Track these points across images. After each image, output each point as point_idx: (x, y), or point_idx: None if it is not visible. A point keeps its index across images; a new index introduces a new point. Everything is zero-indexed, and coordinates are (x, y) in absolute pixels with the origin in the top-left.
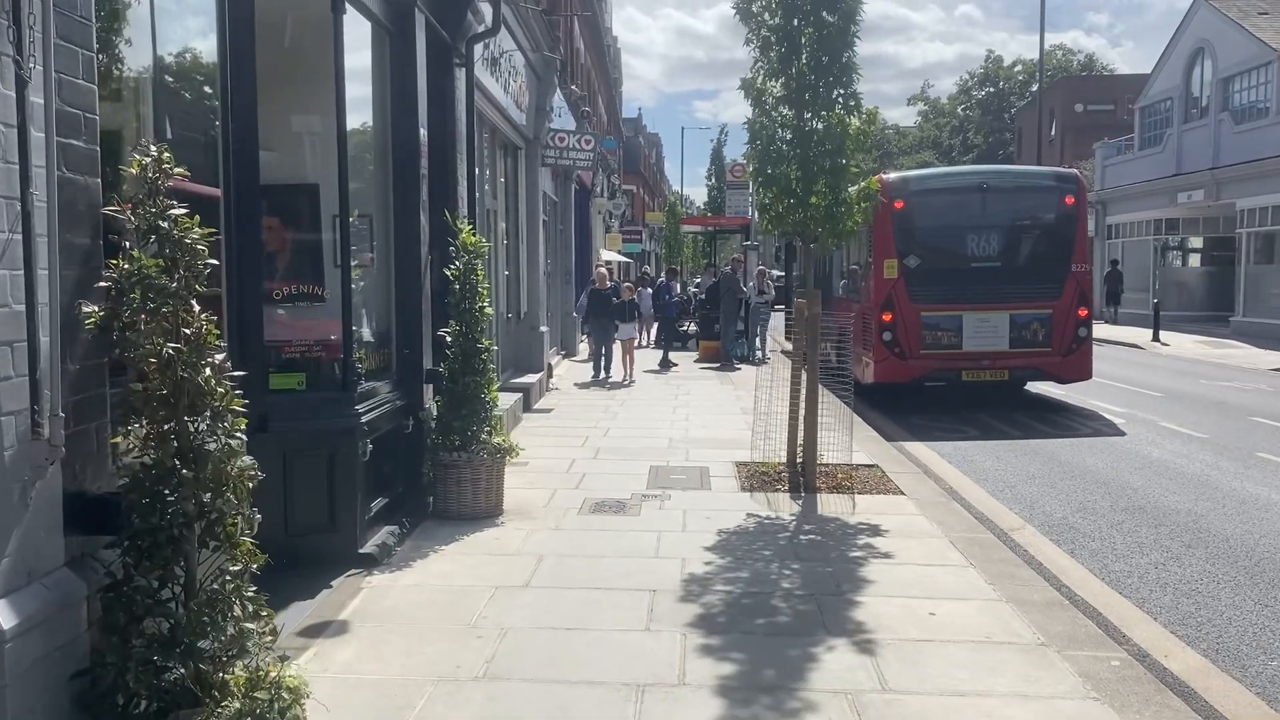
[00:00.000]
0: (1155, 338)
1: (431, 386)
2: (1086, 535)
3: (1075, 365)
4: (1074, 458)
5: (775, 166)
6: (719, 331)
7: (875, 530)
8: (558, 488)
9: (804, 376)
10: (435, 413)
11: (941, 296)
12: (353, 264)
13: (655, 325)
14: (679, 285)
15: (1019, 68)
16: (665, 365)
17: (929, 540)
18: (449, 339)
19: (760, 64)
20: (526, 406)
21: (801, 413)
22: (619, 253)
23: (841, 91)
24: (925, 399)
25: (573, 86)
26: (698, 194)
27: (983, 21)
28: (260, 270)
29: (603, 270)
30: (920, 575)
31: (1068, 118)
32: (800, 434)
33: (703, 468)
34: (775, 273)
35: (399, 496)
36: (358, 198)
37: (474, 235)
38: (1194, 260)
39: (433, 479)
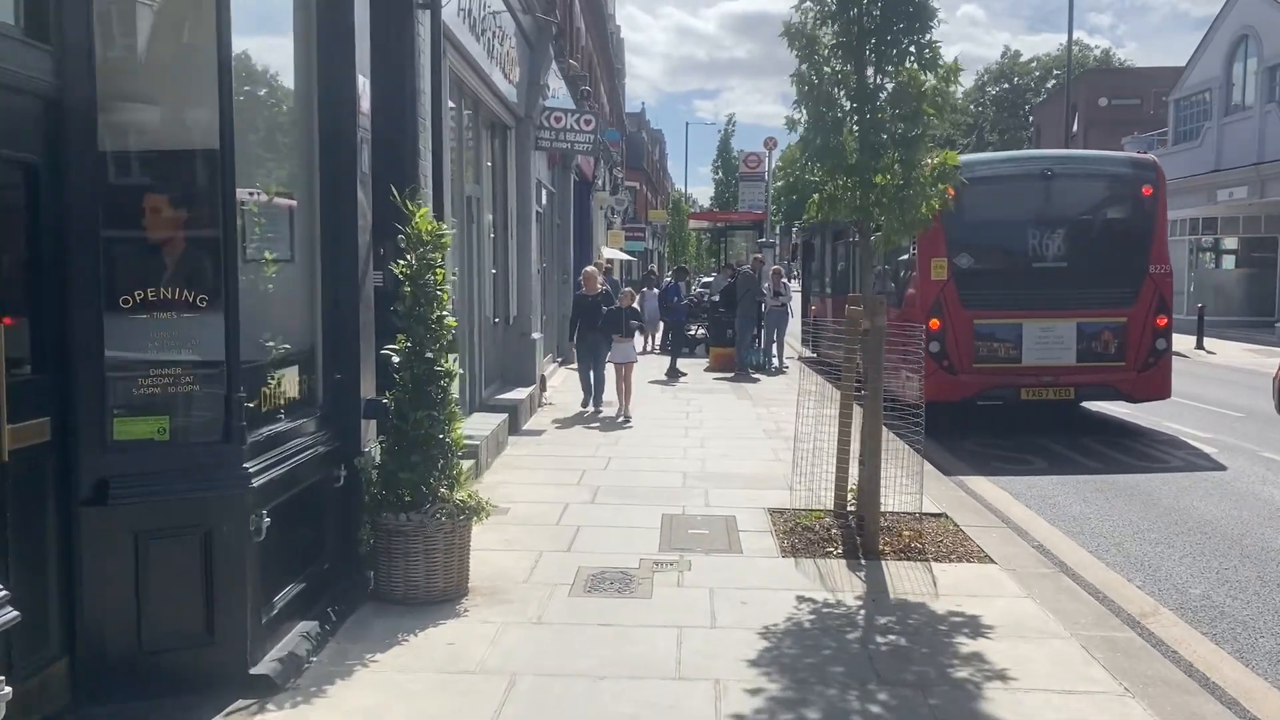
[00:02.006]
0: (1199, 345)
1: (374, 423)
2: (1250, 627)
3: (1152, 383)
4: (1178, 500)
5: (830, 135)
6: (732, 337)
7: (975, 626)
8: (544, 549)
9: (855, 407)
10: (377, 459)
11: (998, 302)
12: (267, 258)
13: (661, 330)
14: (686, 286)
15: (1035, 64)
16: (673, 375)
17: (1052, 643)
18: (396, 359)
19: (809, 5)
20: (513, 428)
21: (853, 449)
22: (621, 250)
23: (915, 40)
24: (972, 419)
25: (571, 61)
26: (701, 193)
27: (985, 21)
28: (97, 267)
29: (592, 269)
30: (1060, 710)
31: (1091, 112)
32: (852, 474)
33: (728, 516)
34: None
35: (324, 575)
36: (267, 167)
37: (432, 221)
38: (1228, 262)
39: (374, 549)
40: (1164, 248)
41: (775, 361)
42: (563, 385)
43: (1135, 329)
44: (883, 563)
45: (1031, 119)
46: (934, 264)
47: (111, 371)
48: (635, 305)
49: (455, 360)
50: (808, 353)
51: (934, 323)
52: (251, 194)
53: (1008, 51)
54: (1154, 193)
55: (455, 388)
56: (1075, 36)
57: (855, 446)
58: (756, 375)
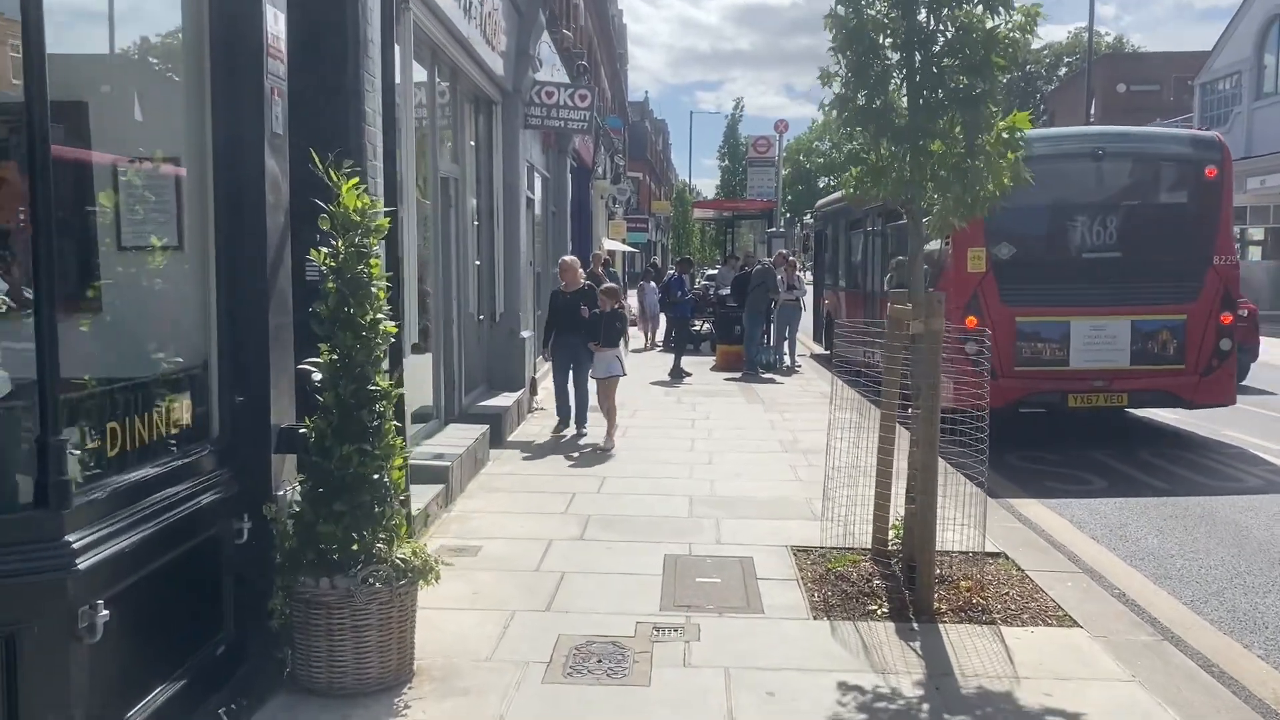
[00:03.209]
0: None
1: (293, 459)
2: None
3: (1214, 387)
4: (1272, 532)
5: (873, 92)
6: (740, 334)
7: None
8: (518, 607)
9: (893, 427)
10: (294, 506)
11: (1043, 297)
12: (155, 244)
13: (663, 325)
14: (690, 279)
15: (1046, 50)
16: (677, 375)
17: None
18: (318, 377)
19: None
20: (496, 440)
21: (896, 476)
22: (623, 242)
23: None
24: (1012, 429)
25: (565, 31)
26: (706, 185)
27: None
28: None
29: (572, 260)
30: None
31: (1109, 99)
32: (892, 509)
33: (744, 559)
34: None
35: (218, 663)
36: (143, 126)
37: (364, 197)
38: (1254, 253)
39: (289, 623)
40: (1229, 237)
41: (787, 360)
42: None
43: (1196, 327)
44: (940, 626)
45: (1044, 106)
46: (970, 254)
47: None
48: (622, 306)
49: (398, 376)
50: (820, 349)
51: (970, 321)
52: (133, 162)
53: None
54: (1218, 175)
55: (406, 411)
56: (1075, 30)
57: (899, 473)
58: (767, 375)
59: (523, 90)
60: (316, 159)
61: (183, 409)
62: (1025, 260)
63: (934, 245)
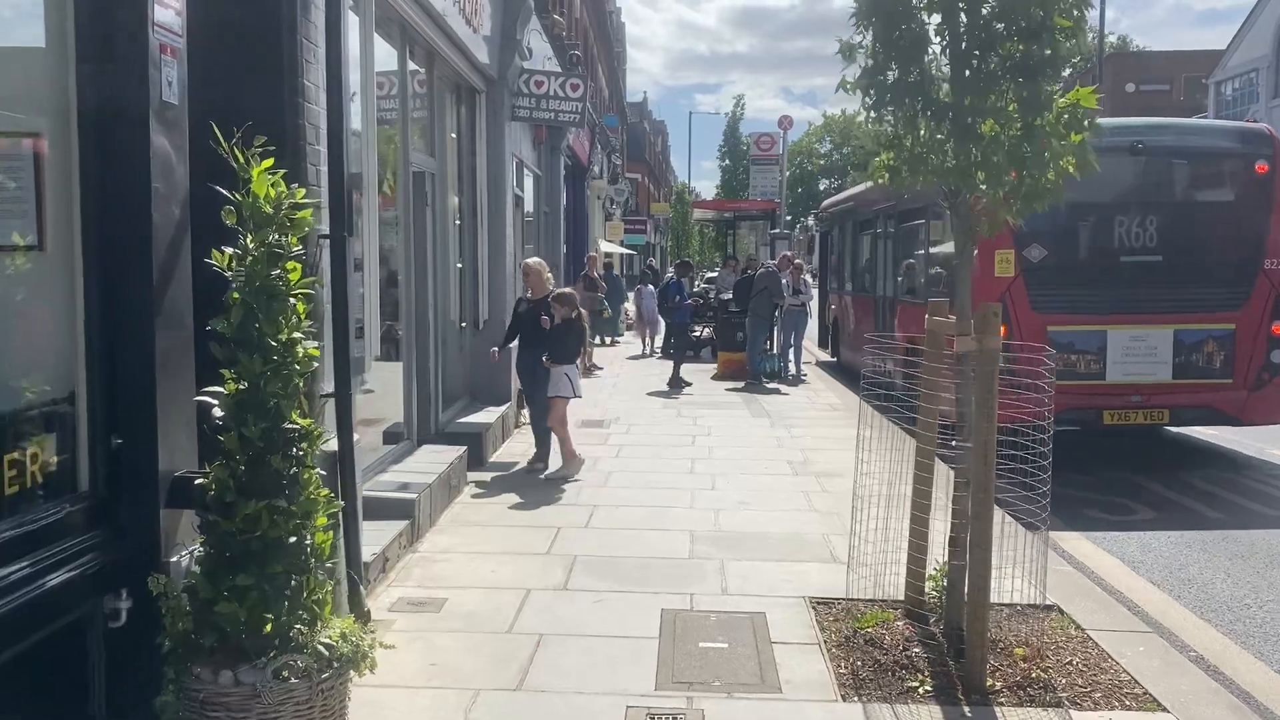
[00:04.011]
0: None
1: (189, 516)
2: None
3: (1265, 404)
4: None
5: (908, 63)
6: (743, 341)
7: None
8: (483, 685)
9: (930, 463)
10: (189, 578)
11: (1077, 304)
12: (18, 241)
13: (661, 331)
14: (690, 282)
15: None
16: (676, 385)
17: None
18: (219, 413)
19: None
20: (477, 461)
21: (935, 514)
22: (621, 244)
23: None
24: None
25: (556, 17)
26: (705, 188)
27: None
28: None
29: (537, 262)
30: None
31: (1117, 99)
32: (930, 556)
33: (755, 616)
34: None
35: None
36: None
37: (278, 185)
38: None
39: None
40: None
41: (792, 368)
42: None
43: (1246, 337)
44: (997, 710)
45: None
46: (998, 257)
47: None
48: (578, 315)
49: (322, 408)
50: (826, 356)
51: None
52: None
53: None
54: (1270, 170)
55: (355, 458)
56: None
57: (938, 511)
58: (771, 384)
59: (509, 79)
60: (219, 134)
61: (39, 454)
62: (1058, 264)
63: (944, 247)
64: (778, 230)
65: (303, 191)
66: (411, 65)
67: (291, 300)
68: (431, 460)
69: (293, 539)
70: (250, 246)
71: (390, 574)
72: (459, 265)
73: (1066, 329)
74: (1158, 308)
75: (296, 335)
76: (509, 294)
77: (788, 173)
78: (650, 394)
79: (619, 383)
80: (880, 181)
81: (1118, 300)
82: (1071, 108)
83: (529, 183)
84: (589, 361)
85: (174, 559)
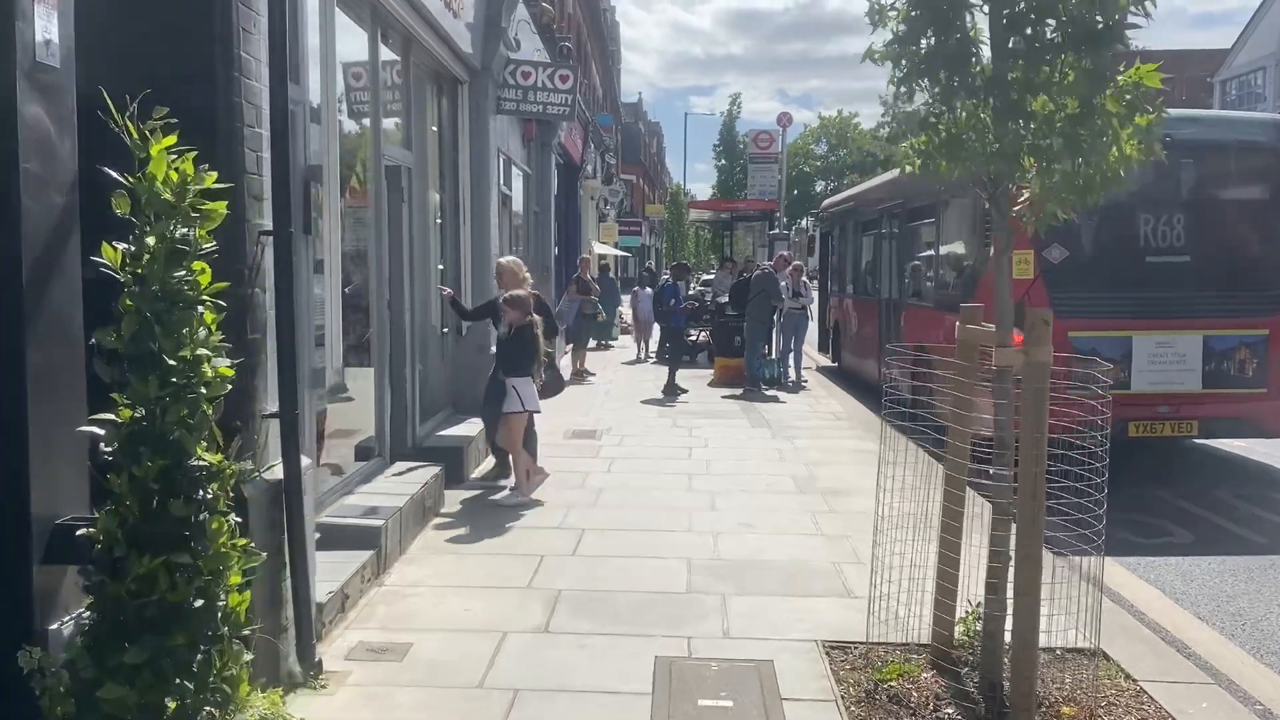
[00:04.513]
0: None
1: (72, 574)
2: None
3: None
4: None
5: (945, 29)
6: (741, 345)
7: None
8: None
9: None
10: (69, 652)
11: (1100, 308)
12: None
13: (657, 335)
14: (686, 285)
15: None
16: (671, 392)
17: None
18: (107, 447)
19: None
20: (456, 478)
21: (964, 562)
22: (615, 246)
23: None
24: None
25: (544, 5)
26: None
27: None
28: None
29: (512, 261)
30: None
31: None
32: (960, 597)
33: (762, 665)
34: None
35: None
36: None
37: (180, 168)
38: None
39: None
40: None
41: (792, 374)
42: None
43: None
44: None
45: None
46: (1016, 258)
47: None
48: (530, 321)
49: (265, 431)
50: (826, 360)
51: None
52: None
53: None
54: None
55: (307, 505)
56: None
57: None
58: (770, 391)
59: (494, 69)
60: (111, 104)
61: None
62: (1079, 265)
63: (954, 247)
64: (777, 231)
65: (214, 176)
66: (387, 52)
67: (200, 308)
68: (404, 479)
69: (199, 602)
70: (150, 243)
71: (350, 613)
72: (440, 267)
73: (1089, 335)
74: (1186, 312)
75: (203, 352)
76: (495, 296)
77: (795, 169)
78: (645, 401)
79: (612, 389)
80: (908, 170)
81: (1143, 304)
82: (1134, 86)
83: (517, 181)
84: (581, 366)
85: (54, 626)
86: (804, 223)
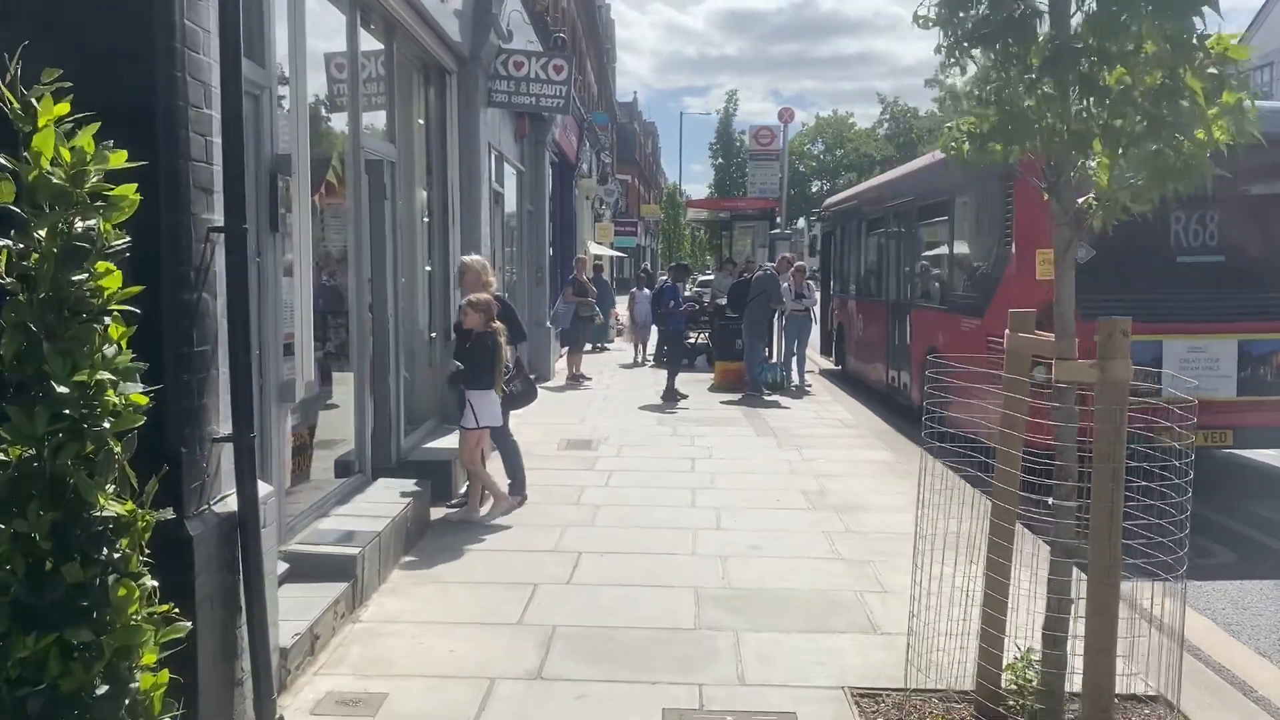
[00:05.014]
0: None
1: None
2: None
3: None
4: None
5: None
6: (741, 349)
7: None
8: None
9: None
10: None
11: (1129, 311)
12: None
13: (654, 338)
14: (685, 287)
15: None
16: (671, 398)
17: None
18: None
19: None
20: (443, 494)
21: (1011, 598)
22: (611, 246)
23: None
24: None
25: None
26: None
27: None
28: None
29: (473, 261)
30: None
31: None
32: (1009, 641)
33: (783, 717)
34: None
35: None
36: None
37: (85, 138)
38: None
39: None
40: None
41: (795, 379)
42: (532, 417)
43: None
44: None
45: None
46: (1039, 257)
47: None
48: (493, 328)
49: (216, 457)
50: (828, 363)
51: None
52: None
53: None
54: None
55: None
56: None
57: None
58: (773, 396)
59: (483, 59)
60: None
61: None
62: (1107, 265)
63: (971, 246)
64: (779, 231)
65: (124, 155)
66: (368, 38)
67: (105, 320)
68: (386, 499)
69: (102, 689)
70: (40, 238)
71: (321, 656)
72: (428, 268)
73: None
74: (1220, 315)
75: (107, 375)
76: None
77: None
78: (643, 408)
79: (609, 395)
80: (952, 154)
81: (1175, 306)
82: (1220, 56)
83: (510, 178)
84: (577, 370)
85: None
86: (800, 223)
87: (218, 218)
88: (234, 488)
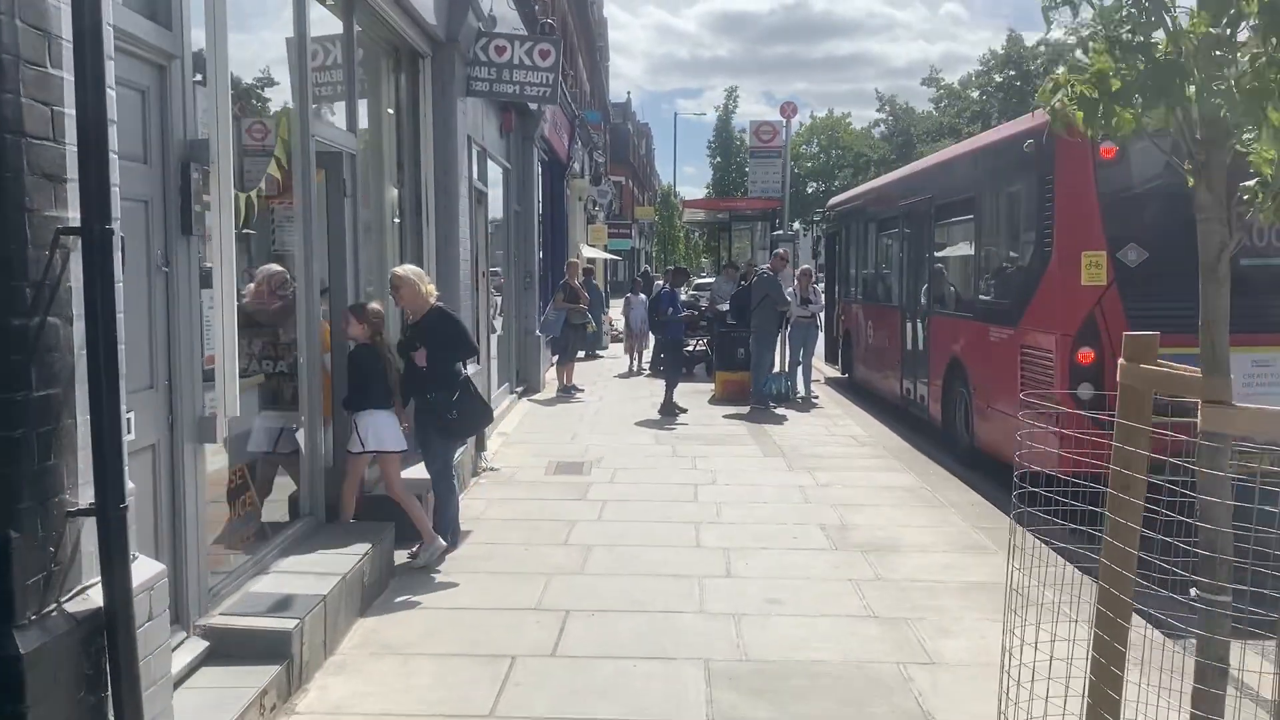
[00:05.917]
0: None
1: None
2: None
3: None
4: None
5: None
6: (745, 358)
7: None
8: None
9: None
10: None
11: (1185, 321)
12: None
13: (651, 346)
14: (683, 293)
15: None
16: (669, 412)
17: None
18: None
19: None
20: (411, 535)
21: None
22: (604, 248)
23: None
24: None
25: None
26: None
27: (967, 20)
28: None
29: (405, 272)
30: None
31: None
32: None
33: None
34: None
35: None
36: None
37: None
38: None
39: None
40: None
41: (801, 389)
42: (524, 427)
43: None
44: None
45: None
46: (1086, 260)
47: None
48: (380, 338)
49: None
50: (833, 371)
51: (1085, 354)
52: None
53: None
54: None
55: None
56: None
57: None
58: (779, 409)
59: (461, 42)
60: None
61: None
62: (1160, 269)
63: (1000, 247)
64: (782, 231)
65: None
66: (321, 10)
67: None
68: (339, 547)
69: None
70: None
71: None
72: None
73: (1172, 351)
74: None
75: None
76: (468, 308)
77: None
78: (639, 423)
79: (602, 408)
80: (1061, 118)
81: (1237, 314)
82: None
83: (495, 176)
84: (568, 381)
85: None
86: (796, 225)
87: (72, 215)
88: (98, 576)
